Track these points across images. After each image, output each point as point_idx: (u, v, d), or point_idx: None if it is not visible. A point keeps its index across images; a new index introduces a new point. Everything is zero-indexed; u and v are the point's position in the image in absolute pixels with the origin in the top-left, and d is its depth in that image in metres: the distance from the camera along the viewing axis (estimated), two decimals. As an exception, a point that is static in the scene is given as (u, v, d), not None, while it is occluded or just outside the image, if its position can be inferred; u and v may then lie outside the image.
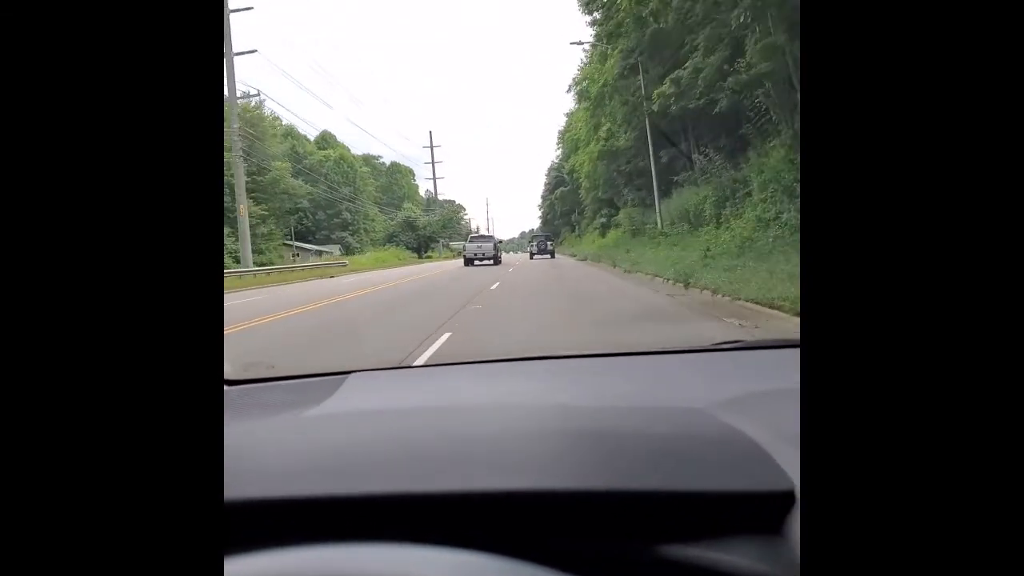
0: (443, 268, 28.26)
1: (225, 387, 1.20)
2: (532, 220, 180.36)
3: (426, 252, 65.65)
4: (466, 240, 32.97)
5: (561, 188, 59.11)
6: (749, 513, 0.55)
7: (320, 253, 55.80)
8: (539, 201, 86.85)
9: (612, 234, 32.65)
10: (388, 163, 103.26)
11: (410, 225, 65.70)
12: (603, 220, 38.66)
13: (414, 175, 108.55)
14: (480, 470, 0.64)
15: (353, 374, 1.27)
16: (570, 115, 56.47)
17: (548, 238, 36.82)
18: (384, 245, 63.89)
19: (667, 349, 1.47)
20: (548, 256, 33.02)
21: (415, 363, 2.24)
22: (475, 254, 28.16)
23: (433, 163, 70.87)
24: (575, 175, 45.05)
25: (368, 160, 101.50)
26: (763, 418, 0.76)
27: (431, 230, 65.67)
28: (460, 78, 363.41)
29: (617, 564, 0.52)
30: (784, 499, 0.54)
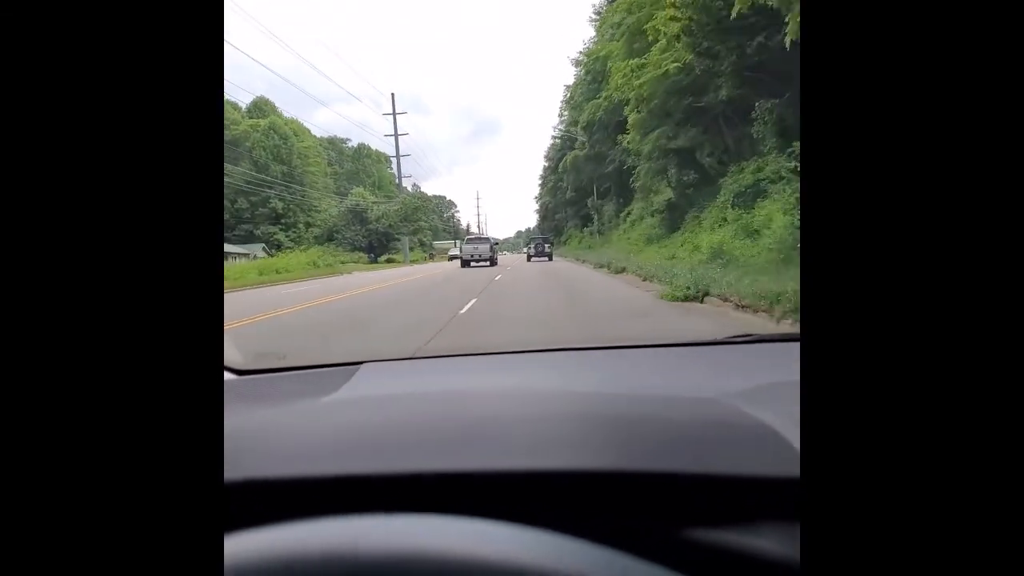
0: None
1: (236, 377, 1.21)
2: (529, 218, 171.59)
3: (382, 254, 47.80)
4: (463, 241, 33.27)
5: (573, 152, 38.81)
6: (769, 498, 0.56)
7: (232, 256, 38.01)
8: (536, 192, 71.22)
9: (727, 228, 13.93)
10: (356, 144, 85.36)
11: (358, 216, 47.50)
12: (670, 197, 20.28)
13: (389, 162, 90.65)
14: (497, 451, 0.65)
15: (365, 364, 1.26)
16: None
17: (546, 240, 35.52)
18: (326, 243, 46.36)
19: (679, 342, 1.46)
20: (545, 259, 31.37)
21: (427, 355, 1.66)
22: (471, 255, 27.99)
23: (396, 135, 52.56)
24: (613, 100, 25.13)
25: (335, 143, 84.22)
26: (780, 407, 0.74)
27: (387, 223, 47.40)
28: (458, 78, 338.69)
29: (638, 544, 0.52)
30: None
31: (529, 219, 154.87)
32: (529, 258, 32.99)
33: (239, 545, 0.42)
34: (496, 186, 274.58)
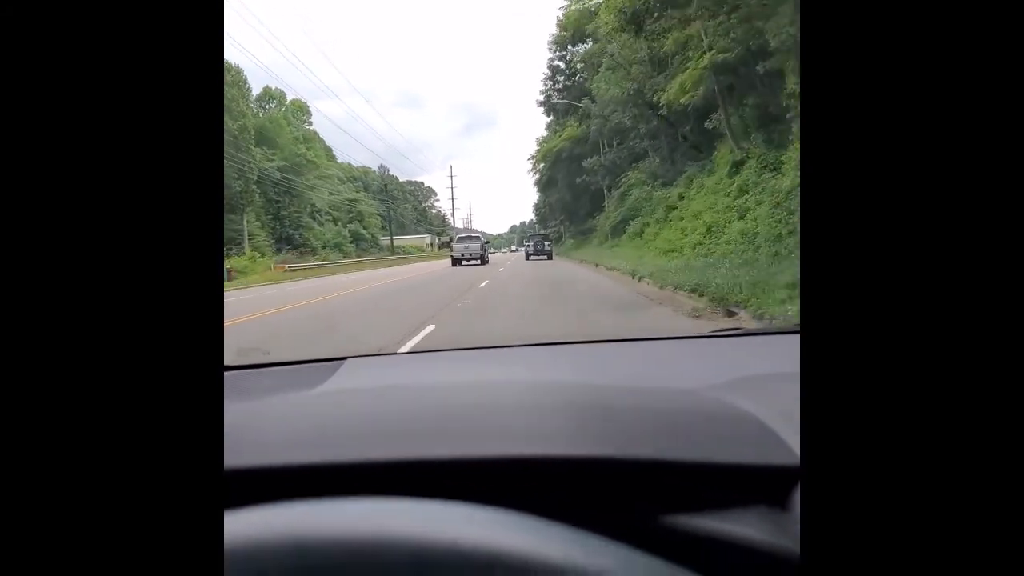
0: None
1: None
2: (524, 212, 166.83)
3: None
4: (454, 240, 34.48)
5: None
6: (754, 486, 0.56)
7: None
8: (535, 171, 52.72)
9: None
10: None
11: None
12: None
13: (309, 115, 66.38)
14: (482, 438, 0.66)
15: (349, 359, 1.29)
16: None
17: (545, 238, 36.83)
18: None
19: (666, 335, 1.48)
20: (545, 257, 32.53)
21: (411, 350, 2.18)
22: (462, 254, 28.72)
23: None
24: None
25: (236, 83, 57.82)
26: (765, 398, 0.76)
27: None
28: (453, 71, 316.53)
29: (621, 530, 0.51)
30: (788, 473, 0.55)
31: (524, 213, 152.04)
32: (528, 256, 33.99)
33: (230, 525, 0.42)
34: (490, 179, 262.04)
